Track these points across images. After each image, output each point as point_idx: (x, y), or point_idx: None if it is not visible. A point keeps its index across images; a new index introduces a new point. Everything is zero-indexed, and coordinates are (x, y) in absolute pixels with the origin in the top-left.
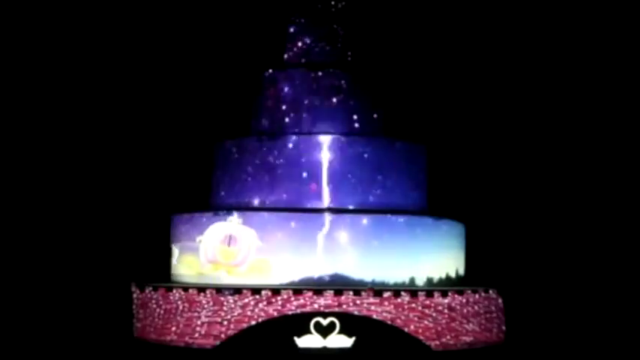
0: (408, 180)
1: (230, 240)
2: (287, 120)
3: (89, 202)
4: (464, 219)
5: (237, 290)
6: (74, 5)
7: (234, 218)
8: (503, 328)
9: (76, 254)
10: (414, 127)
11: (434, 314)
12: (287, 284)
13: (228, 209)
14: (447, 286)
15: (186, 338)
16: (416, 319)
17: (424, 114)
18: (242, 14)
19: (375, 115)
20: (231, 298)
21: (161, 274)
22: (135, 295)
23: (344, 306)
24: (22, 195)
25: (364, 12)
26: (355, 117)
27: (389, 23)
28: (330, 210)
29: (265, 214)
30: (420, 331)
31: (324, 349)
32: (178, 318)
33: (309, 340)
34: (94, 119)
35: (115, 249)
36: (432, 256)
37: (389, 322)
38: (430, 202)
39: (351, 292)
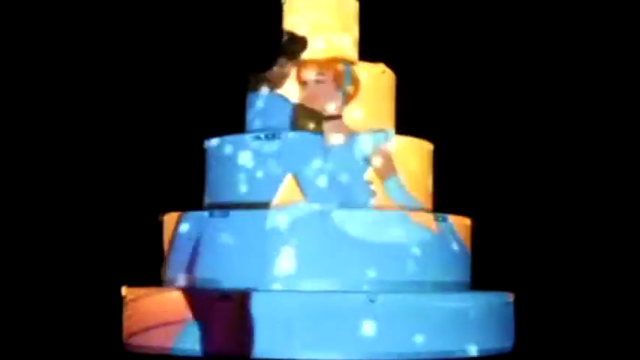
0: None
1: None
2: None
3: (75, 202)
4: (472, 216)
5: None
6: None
7: None
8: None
9: (60, 256)
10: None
11: None
12: None
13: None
14: None
15: None
16: None
17: (432, 109)
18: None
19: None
20: None
21: (151, 276)
22: None
23: None
24: (5, 195)
25: (371, 8)
26: None
27: (395, 17)
28: None
29: None
30: None
31: None
32: None
33: None
34: (80, 117)
35: (103, 250)
36: None
37: None
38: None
39: None
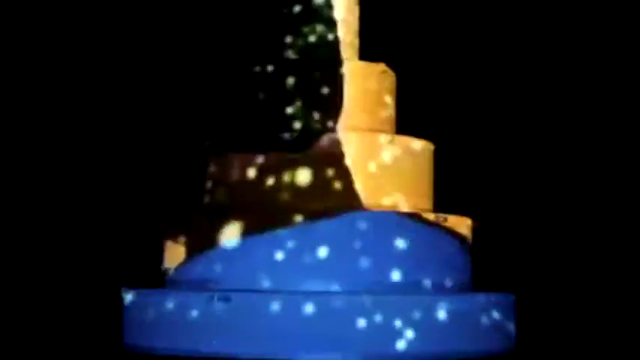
0: None
1: None
2: None
3: (75, 203)
4: (472, 216)
5: None
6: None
7: None
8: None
9: (60, 256)
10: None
11: None
12: None
13: None
14: None
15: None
16: None
17: (433, 109)
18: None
19: None
20: None
21: (152, 277)
22: None
23: None
24: (5, 195)
25: (371, 8)
26: None
27: (395, 18)
28: None
29: None
30: None
31: None
32: None
33: None
34: (80, 118)
35: (103, 250)
36: None
37: None
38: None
39: None
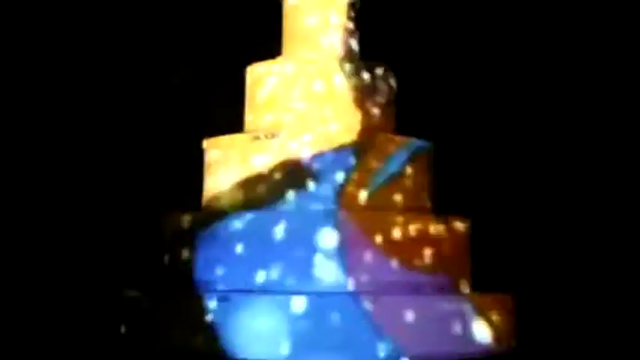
0: None
1: None
2: None
3: (74, 203)
4: (472, 216)
5: None
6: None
7: None
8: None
9: (60, 257)
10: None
11: None
12: None
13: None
14: None
15: None
16: None
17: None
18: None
19: None
20: None
21: (151, 278)
22: None
23: None
24: (5, 195)
25: (371, 8)
26: None
27: (395, 17)
28: None
29: None
30: None
31: None
32: None
33: None
34: (80, 118)
35: (102, 251)
36: None
37: None
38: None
39: None
